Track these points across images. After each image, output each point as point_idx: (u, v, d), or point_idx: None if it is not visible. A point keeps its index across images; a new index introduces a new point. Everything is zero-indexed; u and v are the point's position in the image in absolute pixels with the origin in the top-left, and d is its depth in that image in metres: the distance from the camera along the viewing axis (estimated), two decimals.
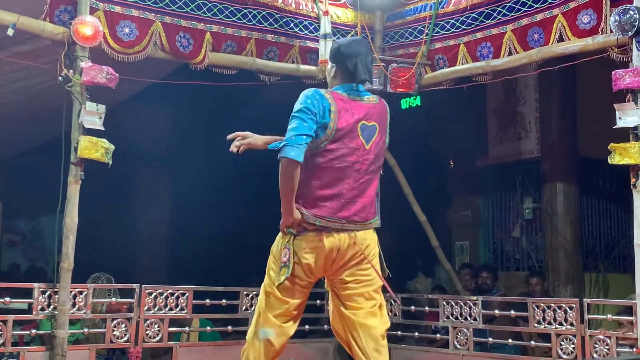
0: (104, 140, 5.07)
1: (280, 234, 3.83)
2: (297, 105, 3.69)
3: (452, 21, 6.17)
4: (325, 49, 5.96)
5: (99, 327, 5.62)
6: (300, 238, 3.73)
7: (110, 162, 5.09)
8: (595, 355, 5.07)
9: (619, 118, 4.78)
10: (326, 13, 6.06)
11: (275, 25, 6.09)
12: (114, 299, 5.71)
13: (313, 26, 6.21)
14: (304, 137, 3.61)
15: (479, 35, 5.98)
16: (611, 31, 4.96)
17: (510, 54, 5.73)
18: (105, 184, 6.90)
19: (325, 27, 6.02)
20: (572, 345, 5.25)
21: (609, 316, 5.33)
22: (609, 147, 4.77)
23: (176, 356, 5.71)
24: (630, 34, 4.78)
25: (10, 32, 4.88)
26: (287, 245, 3.74)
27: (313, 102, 3.67)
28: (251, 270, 9.59)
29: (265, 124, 8.25)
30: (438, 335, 6.35)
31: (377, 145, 3.83)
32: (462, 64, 6.08)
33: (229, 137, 4.08)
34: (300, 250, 3.73)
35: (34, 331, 5.36)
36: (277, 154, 3.66)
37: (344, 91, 3.80)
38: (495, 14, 5.84)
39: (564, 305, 5.39)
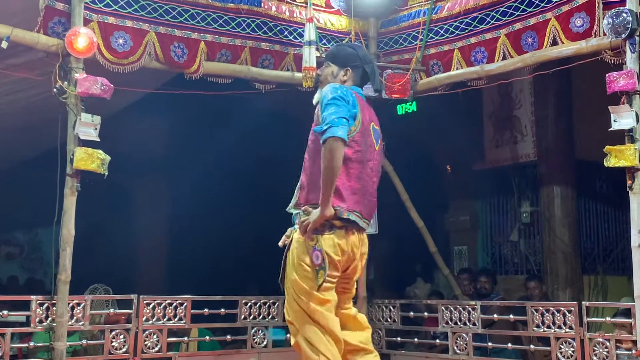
0: (100, 151, 5.06)
1: (297, 238, 3.72)
2: (328, 95, 3.64)
3: (445, 27, 6.18)
4: (309, 55, 5.90)
5: (97, 338, 5.59)
6: (326, 236, 3.64)
7: (106, 173, 5.07)
8: (594, 358, 5.07)
9: (614, 120, 4.79)
10: (310, 20, 6.00)
11: (270, 34, 6.10)
12: (112, 310, 5.69)
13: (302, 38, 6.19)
14: (344, 119, 3.58)
15: (473, 40, 5.98)
16: (604, 34, 4.97)
17: (504, 58, 5.74)
18: (102, 194, 6.90)
19: (310, 33, 5.97)
20: (572, 349, 5.23)
21: (608, 319, 5.32)
22: (604, 150, 4.77)
23: None
24: (623, 36, 4.79)
25: (4, 44, 4.87)
26: (315, 247, 3.64)
27: (343, 91, 3.68)
28: (249, 278, 9.64)
29: (261, 132, 8.29)
30: (437, 340, 6.34)
31: (380, 149, 3.91)
32: (457, 69, 6.09)
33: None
34: (329, 249, 3.64)
35: (32, 344, 5.34)
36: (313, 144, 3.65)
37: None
38: (488, 19, 5.86)
39: (562, 308, 5.38)
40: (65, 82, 5.08)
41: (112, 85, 5.13)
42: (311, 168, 3.72)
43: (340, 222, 3.66)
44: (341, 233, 3.67)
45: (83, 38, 5.06)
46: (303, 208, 3.70)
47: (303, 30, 6.15)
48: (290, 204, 3.85)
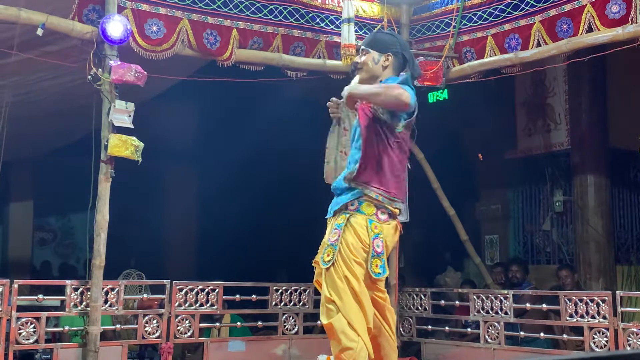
0: (134, 138, 5.10)
1: (358, 222, 3.72)
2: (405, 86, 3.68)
3: (479, 13, 6.12)
4: (348, 32, 5.87)
5: (130, 323, 5.65)
6: (386, 226, 3.74)
7: (140, 160, 5.11)
8: (628, 348, 5.02)
9: None
10: None
11: (302, 21, 6.09)
12: (145, 295, 5.76)
13: (339, 21, 6.17)
14: (414, 99, 3.65)
15: (506, 26, 5.92)
16: None
17: (538, 45, 5.67)
18: (135, 181, 6.95)
19: (348, 11, 5.93)
20: (605, 338, 5.19)
21: None
22: (639, 138, 4.71)
23: (207, 351, 5.74)
24: None
25: (39, 32, 4.92)
26: (377, 235, 3.71)
27: (413, 92, 3.71)
28: (279, 265, 9.68)
29: (292, 120, 8.29)
30: (469, 329, 6.32)
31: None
32: (490, 56, 6.03)
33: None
34: (389, 240, 3.80)
35: (67, 327, 5.41)
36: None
37: None
38: (523, 5, 5.78)
39: (596, 298, 5.34)
40: (100, 69, 5.13)
41: (145, 73, 5.15)
42: (370, 150, 3.71)
43: (393, 209, 3.76)
44: (392, 223, 3.78)
45: (117, 25, 5.09)
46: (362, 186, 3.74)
47: (335, 18, 6.16)
48: (345, 176, 3.80)
